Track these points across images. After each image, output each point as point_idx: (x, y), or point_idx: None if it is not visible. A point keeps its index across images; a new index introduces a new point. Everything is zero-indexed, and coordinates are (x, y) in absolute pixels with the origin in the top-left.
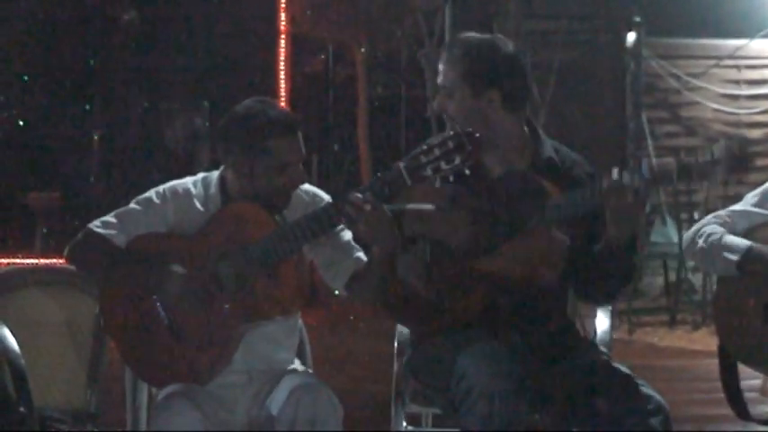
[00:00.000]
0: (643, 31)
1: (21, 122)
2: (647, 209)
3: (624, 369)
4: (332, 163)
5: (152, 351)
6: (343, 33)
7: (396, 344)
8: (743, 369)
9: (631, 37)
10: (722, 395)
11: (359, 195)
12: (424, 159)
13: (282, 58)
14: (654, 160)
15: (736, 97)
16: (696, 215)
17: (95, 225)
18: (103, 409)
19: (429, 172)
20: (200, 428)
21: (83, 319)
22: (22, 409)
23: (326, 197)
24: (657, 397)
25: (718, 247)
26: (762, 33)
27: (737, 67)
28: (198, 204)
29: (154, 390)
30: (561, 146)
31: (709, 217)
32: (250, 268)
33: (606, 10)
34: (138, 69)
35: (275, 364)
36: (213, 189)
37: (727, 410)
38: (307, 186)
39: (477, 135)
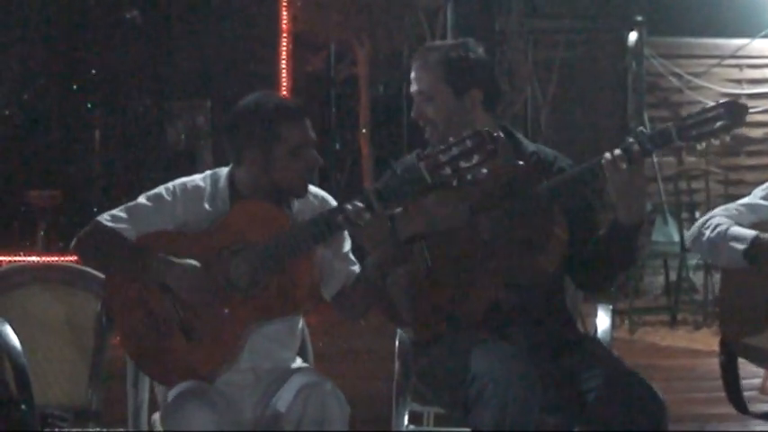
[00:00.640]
0: (645, 30)
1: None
2: (648, 207)
3: (617, 359)
4: (333, 162)
5: (160, 347)
6: (344, 32)
7: (397, 342)
8: (743, 368)
9: (633, 36)
10: (723, 394)
11: (359, 204)
12: (443, 158)
13: (284, 56)
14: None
15: (737, 97)
16: (697, 214)
17: (105, 219)
18: (105, 407)
19: (448, 171)
20: (212, 428)
21: (84, 316)
22: (23, 406)
23: (333, 202)
24: (656, 392)
25: (724, 237)
26: (763, 33)
27: (739, 67)
28: (206, 201)
29: (156, 388)
30: (538, 144)
31: (717, 210)
32: (263, 266)
33: (608, 9)
34: (139, 68)
35: (279, 362)
36: (222, 186)
37: (727, 410)
38: (315, 189)
39: (497, 134)
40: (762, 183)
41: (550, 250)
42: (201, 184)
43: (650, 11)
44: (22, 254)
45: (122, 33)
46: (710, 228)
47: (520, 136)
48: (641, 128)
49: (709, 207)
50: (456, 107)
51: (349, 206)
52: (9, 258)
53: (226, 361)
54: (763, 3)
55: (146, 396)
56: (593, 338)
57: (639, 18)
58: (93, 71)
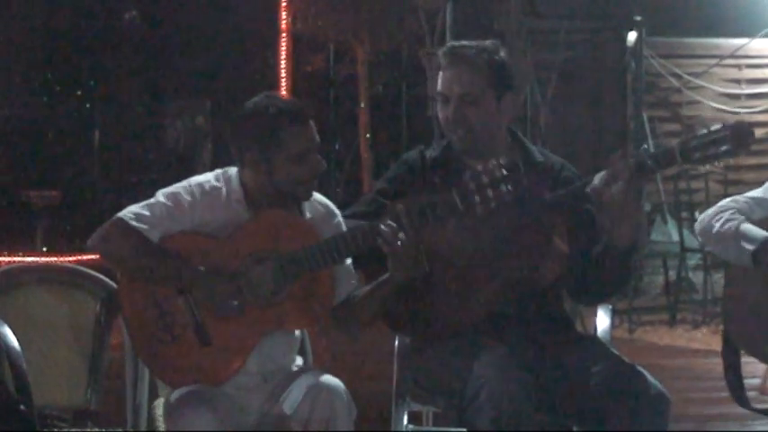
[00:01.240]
0: (644, 30)
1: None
2: (648, 207)
3: (617, 355)
4: (333, 161)
5: (172, 349)
6: (344, 32)
7: (396, 343)
8: (742, 368)
9: (632, 36)
10: (722, 394)
11: (392, 224)
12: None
13: (284, 56)
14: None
15: (736, 96)
16: (697, 214)
17: (129, 217)
18: (104, 408)
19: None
20: (214, 428)
21: (83, 317)
22: (22, 407)
23: (336, 210)
24: (658, 385)
25: (735, 234)
26: (762, 33)
27: (738, 66)
28: (223, 202)
29: (161, 389)
30: (544, 150)
31: (728, 201)
32: (286, 276)
33: (607, 9)
34: (139, 68)
35: (285, 364)
36: (235, 187)
37: (727, 409)
38: (319, 197)
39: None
40: (761, 183)
41: (550, 261)
42: (217, 184)
43: (649, 11)
44: (21, 254)
45: (122, 34)
46: (721, 221)
47: (526, 141)
48: (644, 146)
49: (709, 207)
50: (495, 112)
51: (384, 227)
52: (8, 258)
53: (236, 366)
54: (762, 3)
55: (145, 396)
56: (593, 338)
57: (638, 18)
58: (93, 72)
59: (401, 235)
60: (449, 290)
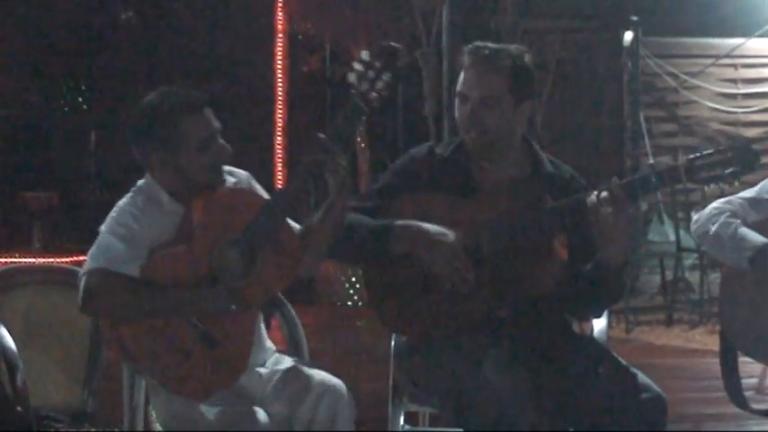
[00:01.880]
0: (640, 29)
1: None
2: (644, 207)
3: (614, 357)
4: None
5: (187, 366)
6: (340, 33)
7: (392, 343)
8: (739, 368)
9: (629, 36)
10: (719, 394)
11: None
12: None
13: (280, 57)
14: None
15: (733, 96)
16: (693, 214)
17: (101, 264)
18: (100, 409)
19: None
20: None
21: (80, 318)
22: (19, 408)
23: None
24: (655, 387)
25: (732, 238)
26: (759, 32)
27: (735, 66)
28: (158, 210)
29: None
30: (554, 158)
31: (722, 202)
32: (252, 249)
33: (603, 9)
34: (135, 69)
35: (266, 354)
36: (156, 192)
37: (723, 409)
38: (230, 168)
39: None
40: (758, 182)
41: (548, 267)
42: (141, 198)
43: (646, 11)
44: (17, 255)
45: (118, 34)
46: (718, 224)
47: (539, 150)
48: (651, 161)
49: (705, 207)
50: (512, 118)
51: (320, 157)
52: (5, 260)
53: (243, 357)
54: (759, 2)
55: (141, 398)
56: (591, 339)
57: (635, 18)
58: (89, 73)
59: (339, 159)
60: (447, 290)
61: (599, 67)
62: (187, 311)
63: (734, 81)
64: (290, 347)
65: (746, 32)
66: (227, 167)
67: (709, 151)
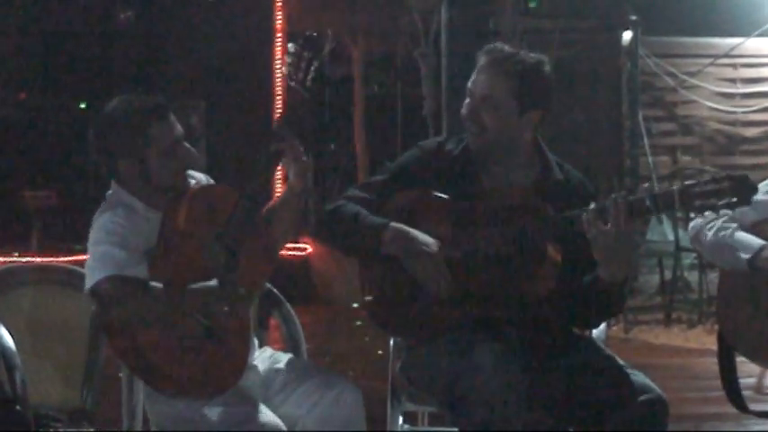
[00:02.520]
0: (639, 29)
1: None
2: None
3: (615, 359)
4: (328, 161)
5: (198, 364)
6: (339, 32)
7: (391, 342)
8: (738, 368)
9: (627, 35)
10: (718, 393)
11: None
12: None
13: (279, 56)
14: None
15: (732, 96)
16: (692, 214)
17: (110, 272)
18: (99, 408)
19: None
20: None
21: (79, 317)
22: (17, 407)
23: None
24: (655, 388)
25: (729, 242)
26: (758, 32)
27: (734, 66)
28: (137, 218)
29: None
30: (564, 163)
31: None
32: (232, 244)
33: (602, 8)
34: (133, 68)
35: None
36: (128, 200)
37: (723, 409)
38: (192, 173)
39: (752, 181)
40: (759, 181)
41: (543, 275)
42: (117, 211)
43: (645, 10)
44: (16, 254)
45: (116, 34)
46: (714, 230)
47: (551, 157)
48: (646, 184)
49: None
50: (514, 124)
51: (283, 146)
52: (3, 259)
53: (244, 353)
54: (758, 2)
55: (140, 397)
56: (589, 338)
57: (634, 17)
58: (87, 72)
59: (297, 146)
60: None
61: (598, 67)
62: (202, 305)
63: (733, 80)
64: (289, 347)
65: (745, 32)
66: (190, 173)
67: (707, 179)
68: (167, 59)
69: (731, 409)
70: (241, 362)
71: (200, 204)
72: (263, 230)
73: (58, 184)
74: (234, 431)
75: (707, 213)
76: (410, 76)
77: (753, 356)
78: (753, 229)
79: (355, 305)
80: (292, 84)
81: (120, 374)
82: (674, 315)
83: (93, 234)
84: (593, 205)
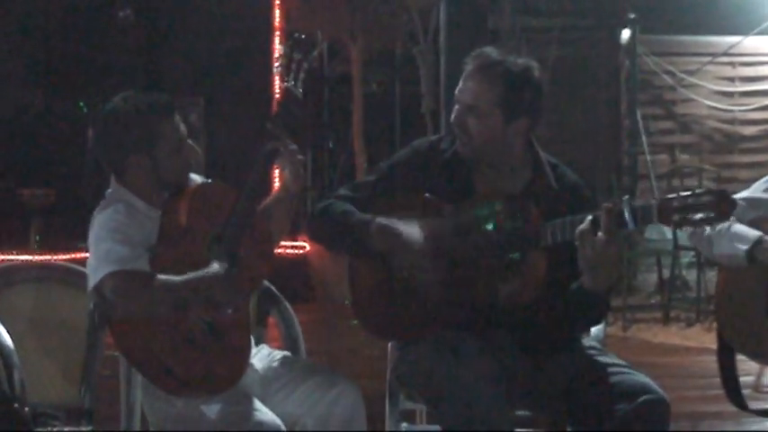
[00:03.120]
0: (638, 27)
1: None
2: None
3: (615, 360)
4: (326, 159)
5: (204, 359)
6: (338, 30)
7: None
8: (737, 365)
9: (626, 34)
10: (717, 392)
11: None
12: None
13: (277, 54)
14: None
15: (730, 94)
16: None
17: (116, 267)
18: (97, 406)
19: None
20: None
21: (77, 315)
22: (15, 405)
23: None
24: (657, 389)
25: (727, 236)
26: (756, 30)
27: (732, 64)
28: (138, 215)
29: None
30: (560, 166)
31: None
32: (230, 242)
33: (601, 7)
34: (132, 66)
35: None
36: (130, 197)
37: (721, 407)
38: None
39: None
40: (756, 180)
41: (527, 281)
42: (118, 207)
43: (643, 8)
44: (14, 252)
45: (115, 31)
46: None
47: (544, 159)
48: (627, 196)
49: None
50: (501, 133)
51: (282, 149)
52: (2, 257)
53: (246, 351)
54: (756, 0)
55: (138, 395)
56: (588, 338)
57: (632, 16)
58: (86, 69)
59: (291, 146)
60: (425, 296)
61: (596, 65)
62: (207, 291)
63: (731, 79)
64: (288, 345)
65: (744, 30)
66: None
67: (686, 194)
68: (166, 57)
69: (730, 408)
70: (242, 360)
71: (199, 202)
72: (261, 228)
73: (57, 183)
74: (232, 429)
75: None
76: (409, 75)
77: (752, 354)
78: (751, 226)
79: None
80: (286, 84)
81: (119, 372)
82: (672, 313)
83: (95, 231)
84: (587, 219)
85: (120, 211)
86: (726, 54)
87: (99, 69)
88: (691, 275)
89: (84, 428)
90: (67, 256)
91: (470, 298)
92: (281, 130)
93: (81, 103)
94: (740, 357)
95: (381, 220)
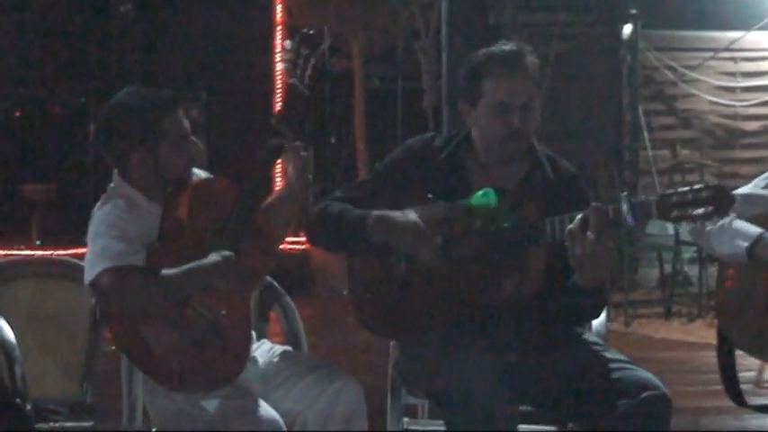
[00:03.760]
0: (639, 23)
1: (16, 115)
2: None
3: (618, 355)
4: (328, 155)
5: (203, 357)
6: (339, 25)
7: None
8: (737, 362)
9: (628, 29)
10: (718, 387)
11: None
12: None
13: (279, 50)
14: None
15: (732, 89)
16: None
17: (113, 262)
18: (99, 402)
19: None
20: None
21: (79, 310)
22: (17, 400)
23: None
24: (659, 385)
25: (728, 232)
26: (758, 25)
27: (734, 59)
28: (139, 211)
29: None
30: (559, 159)
31: None
32: (233, 236)
33: (602, 2)
34: (133, 61)
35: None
36: (131, 192)
37: (722, 402)
38: (196, 171)
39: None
40: (757, 175)
41: (526, 277)
42: (119, 202)
43: (645, 4)
44: (16, 247)
45: (116, 26)
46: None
47: (542, 155)
48: (625, 192)
49: None
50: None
51: (288, 145)
52: (3, 252)
53: (246, 346)
54: None
55: (140, 390)
56: (590, 333)
57: (634, 11)
58: (88, 65)
59: (295, 143)
60: (424, 294)
61: (598, 61)
62: (204, 282)
63: (733, 74)
64: (289, 340)
65: (745, 26)
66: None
67: (685, 189)
68: (168, 52)
69: (731, 403)
70: (243, 355)
71: (201, 198)
72: (263, 225)
73: (58, 177)
74: (232, 424)
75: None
76: (410, 70)
77: (752, 350)
78: (752, 222)
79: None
80: (291, 80)
81: (121, 368)
82: (673, 309)
83: (94, 227)
84: (577, 218)
85: (119, 207)
86: (727, 49)
87: (100, 64)
88: (692, 271)
89: (85, 424)
90: (69, 251)
91: (470, 291)
92: (286, 126)
93: (82, 98)
94: (740, 353)
95: (378, 212)
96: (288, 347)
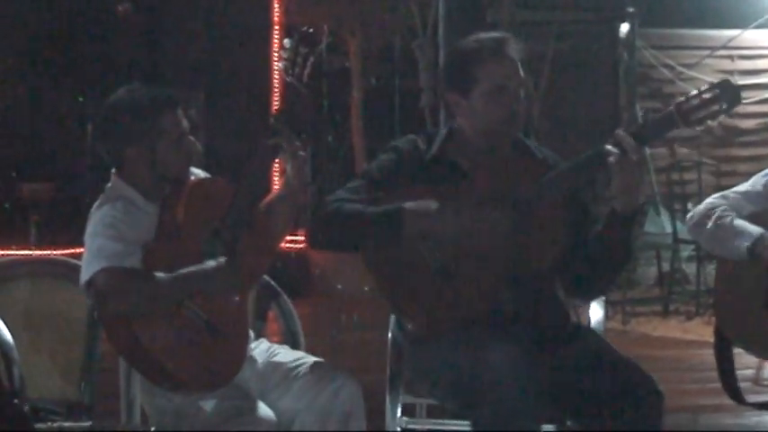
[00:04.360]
0: (636, 21)
1: (14, 114)
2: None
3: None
4: (325, 153)
5: (201, 356)
6: (337, 24)
7: (390, 335)
8: (736, 359)
9: (625, 27)
10: (716, 385)
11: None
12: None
13: (276, 48)
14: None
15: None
16: (690, 205)
17: (108, 263)
18: (97, 401)
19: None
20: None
21: (76, 310)
22: (15, 400)
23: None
24: (653, 381)
25: (729, 230)
26: (755, 23)
27: (731, 58)
28: (136, 211)
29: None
30: (541, 147)
31: (717, 197)
32: (232, 235)
33: (600, 0)
34: (131, 60)
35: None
36: (128, 192)
37: (720, 400)
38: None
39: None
40: (755, 173)
41: (548, 244)
42: (117, 204)
43: (642, 2)
44: (14, 247)
45: (114, 25)
46: (713, 218)
47: (525, 138)
48: (644, 111)
49: (702, 198)
50: None
51: (285, 144)
52: (2, 251)
53: (243, 346)
54: None
55: (138, 390)
56: (589, 330)
57: (631, 9)
58: (86, 64)
59: (294, 141)
60: (454, 280)
61: (595, 59)
62: (200, 287)
63: (730, 72)
64: (287, 339)
65: (743, 24)
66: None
67: (694, 92)
68: (166, 51)
69: (729, 401)
70: (240, 355)
71: (198, 197)
72: (261, 224)
73: (56, 177)
74: (230, 424)
75: (707, 201)
76: (408, 69)
77: (750, 348)
78: (750, 220)
79: (366, 288)
80: (289, 79)
81: (118, 368)
82: (671, 307)
83: (91, 227)
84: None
85: (117, 209)
86: (724, 47)
87: (98, 63)
88: (690, 269)
89: (83, 424)
90: (67, 251)
91: (517, 262)
92: (284, 126)
93: (80, 98)
94: (739, 351)
95: (408, 203)
96: (286, 347)
